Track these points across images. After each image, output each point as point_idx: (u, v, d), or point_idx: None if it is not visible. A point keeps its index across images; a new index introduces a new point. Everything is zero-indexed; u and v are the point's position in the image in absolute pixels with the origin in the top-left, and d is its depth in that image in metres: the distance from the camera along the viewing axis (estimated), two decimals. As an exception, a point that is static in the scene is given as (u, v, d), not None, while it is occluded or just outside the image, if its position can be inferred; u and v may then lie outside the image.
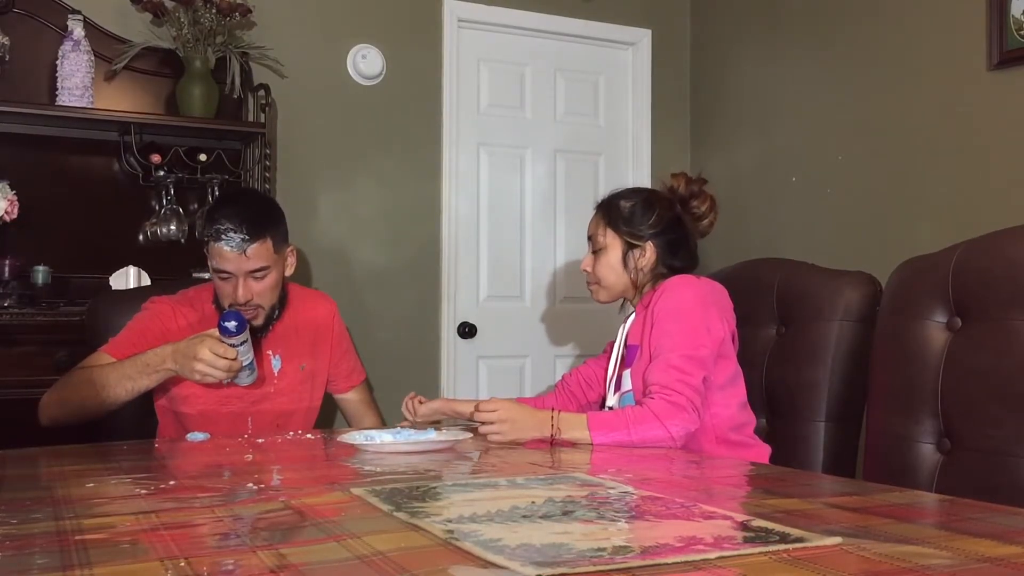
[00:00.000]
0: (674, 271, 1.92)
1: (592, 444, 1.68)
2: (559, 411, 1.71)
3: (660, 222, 1.92)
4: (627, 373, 1.87)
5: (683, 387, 1.71)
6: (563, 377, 2.18)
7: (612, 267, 1.94)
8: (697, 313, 1.80)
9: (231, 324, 1.76)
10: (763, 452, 1.89)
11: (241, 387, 1.96)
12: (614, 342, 2.03)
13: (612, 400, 1.91)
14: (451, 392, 3.51)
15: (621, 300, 2.02)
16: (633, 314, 1.96)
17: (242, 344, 1.80)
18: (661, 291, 1.84)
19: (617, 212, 1.95)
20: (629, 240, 1.93)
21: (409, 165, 3.46)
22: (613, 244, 1.94)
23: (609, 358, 2.02)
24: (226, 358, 1.76)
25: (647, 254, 1.92)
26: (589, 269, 1.98)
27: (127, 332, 2.00)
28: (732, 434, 1.84)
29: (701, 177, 2.00)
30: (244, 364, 1.83)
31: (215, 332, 1.78)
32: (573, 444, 1.69)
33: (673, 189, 1.98)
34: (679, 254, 1.94)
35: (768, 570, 0.84)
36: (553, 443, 1.69)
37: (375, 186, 3.41)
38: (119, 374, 1.85)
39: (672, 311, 1.79)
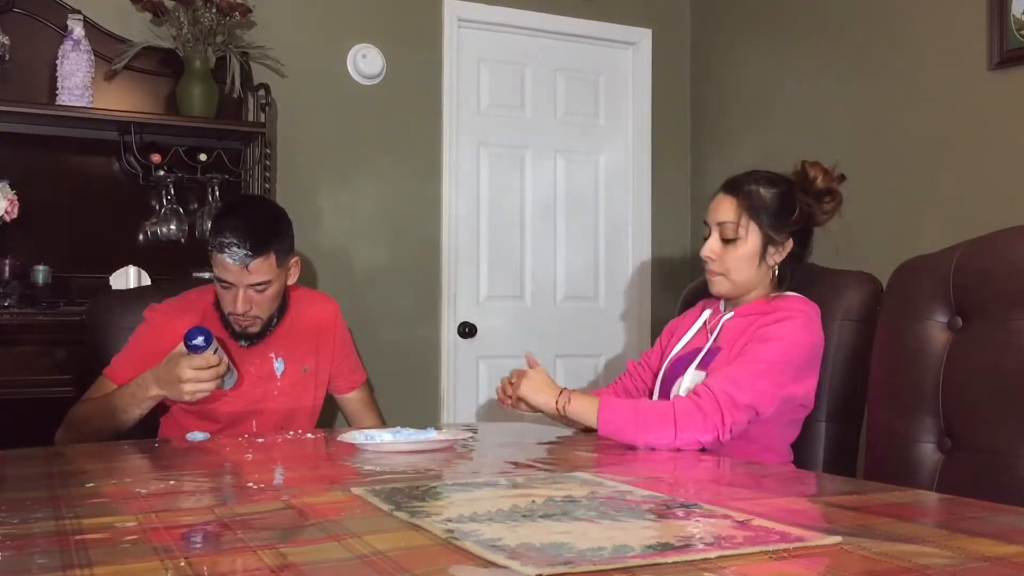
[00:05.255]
0: (786, 273, 1.85)
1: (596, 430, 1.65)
2: (570, 394, 1.69)
3: (802, 218, 1.81)
4: (699, 373, 1.79)
5: (726, 403, 1.63)
6: (620, 375, 2.11)
7: (748, 260, 1.81)
8: (798, 362, 1.72)
9: (199, 341, 1.76)
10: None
11: (228, 390, 1.96)
12: (669, 333, 1.98)
13: (675, 391, 1.84)
14: (451, 392, 3.51)
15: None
16: (731, 314, 1.84)
17: (214, 352, 1.81)
18: (781, 313, 1.75)
19: (760, 201, 1.81)
20: (771, 234, 1.80)
21: (409, 165, 3.46)
22: (753, 236, 1.80)
23: (659, 349, 1.98)
24: (210, 367, 1.78)
25: (784, 250, 1.82)
26: (715, 257, 1.83)
27: (128, 352, 2.02)
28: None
29: (841, 173, 1.86)
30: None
31: (183, 349, 1.78)
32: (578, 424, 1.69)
33: (811, 180, 1.83)
34: (805, 252, 1.86)
35: (768, 570, 0.84)
36: (561, 416, 1.68)
37: (375, 186, 3.41)
38: (111, 407, 1.88)
39: (782, 343, 1.70)
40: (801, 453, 1.90)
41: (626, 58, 3.90)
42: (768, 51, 3.53)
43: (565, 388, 1.72)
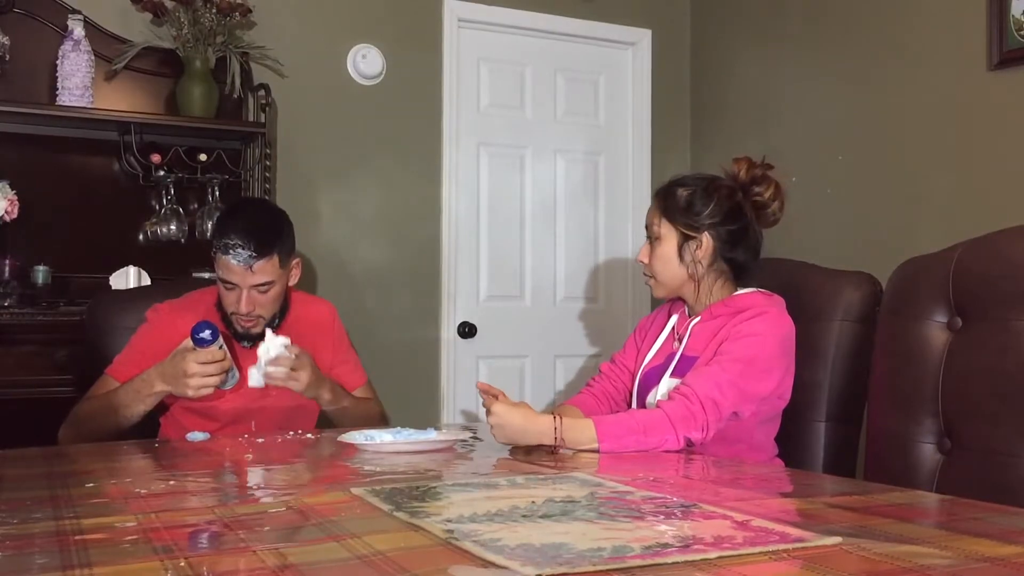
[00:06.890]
0: (735, 266, 1.85)
1: (600, 451, 1.59)
2: (561, 418, 1.62)
3: (718, 211, 1.81)
4: (674, 381, 1.78)
5: (710, 407, 1.65)
6: (594, 377, 2.06)
7: (667, 259, 1.84)
8: (775, 357, 1.74)
9: (206, 334, 1.77)
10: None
11: (228, 391, 1.97)
12: (643, 334, 1.98)
13: (651, 400, 1.83)
14: (451, 392, 3.51)
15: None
16: (697, 319, 1.84)
17: (220, 348, 1.82)
18: (750, 311, 1.76)
19: (673, 201, 1.84)
20: (684, 231, 1.82)
21: (409, 165, 3.46)
22: (668, 235, 1.84)
23: (633, 351, 1.98)
24: (215, 362, 1.79)
25: (703, 246, 1.81)
26: (645, 260, 1.88)
27: (130, 351, 2.03)
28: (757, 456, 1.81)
29: (766, 162, 1.85)
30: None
31: (190, 344, 1.79)
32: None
33: (734, 175, 1.84)
34: (739, 246, 1.83)
35: (768, 570, 0.84)
36: (557, 450, 1.60)
37: (375, 186, 3.41)
38: (115, 404, 1.89)
39: (753, 341, 1.72)
40: (801, 453, 1.90)
41: (626, 58, 3.90)
42: (768, 51, 3.53)
43: (549, 418, 1.62)
